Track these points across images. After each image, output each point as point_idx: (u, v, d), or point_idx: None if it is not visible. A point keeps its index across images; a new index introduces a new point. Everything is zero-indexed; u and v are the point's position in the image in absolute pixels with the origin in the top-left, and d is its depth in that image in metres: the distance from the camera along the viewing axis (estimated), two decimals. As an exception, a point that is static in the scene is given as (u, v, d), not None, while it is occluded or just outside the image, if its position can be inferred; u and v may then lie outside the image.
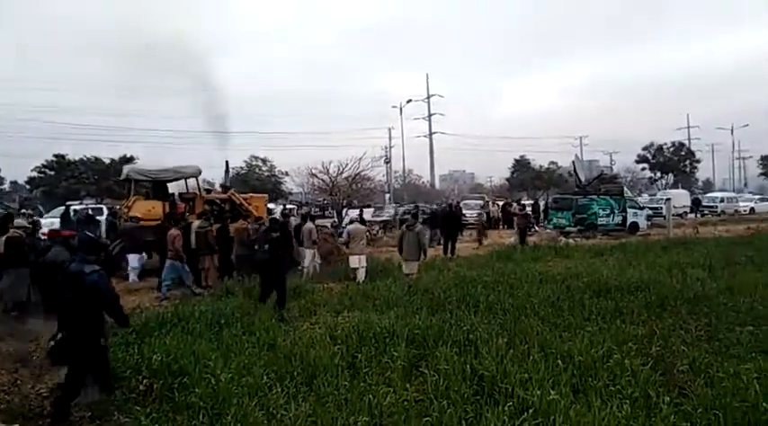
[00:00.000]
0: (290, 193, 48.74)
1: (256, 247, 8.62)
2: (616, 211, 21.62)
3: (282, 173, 49.42)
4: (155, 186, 14.35)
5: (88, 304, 4.36)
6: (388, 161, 50.37)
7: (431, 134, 52.18)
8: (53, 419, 4.33)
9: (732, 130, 67.49)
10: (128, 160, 44.08)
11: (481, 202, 31.39)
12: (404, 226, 11.21)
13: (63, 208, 21.72)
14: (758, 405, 3.73)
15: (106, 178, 41.77)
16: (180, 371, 4.88)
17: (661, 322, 6.41)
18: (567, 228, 21.06)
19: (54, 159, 40.74)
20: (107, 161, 42.72)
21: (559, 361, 4.78)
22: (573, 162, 27.07)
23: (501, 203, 30.22)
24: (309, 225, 11.67)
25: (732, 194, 41.73)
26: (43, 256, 7.59)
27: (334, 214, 29.03)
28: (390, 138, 51.62)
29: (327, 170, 41.64)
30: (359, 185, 45.48)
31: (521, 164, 60.86)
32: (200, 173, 15.07)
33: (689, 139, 63.30)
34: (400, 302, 8.07)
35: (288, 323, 6.97)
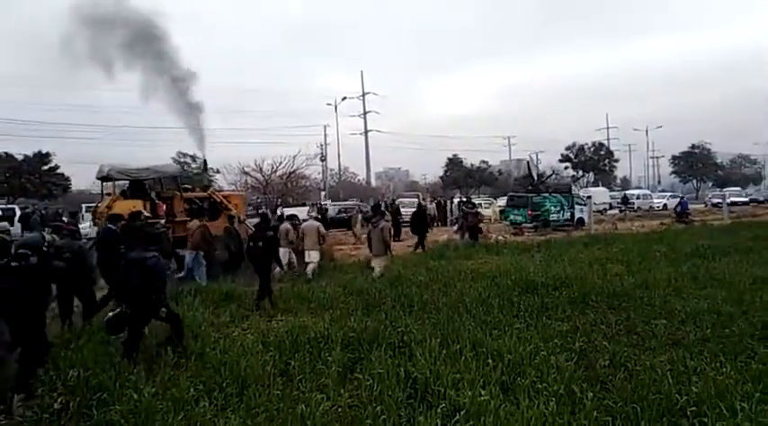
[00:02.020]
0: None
1: (251, 244, 9.01)
2: (565, 208, 23.11)
3: (213, 171, 47.85)
4: (134, 185, 13.95)
5: (148, 282, 5.51)
6: (323, 158, 50.03)
7: (366, 132, 52.29)
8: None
9: (647, 131, 72.38)
10: (44, 156, 41.18)
11: (416, 200, 31.85)
12: (369, 223, 11.70)
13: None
14: (671, 396, 3.98)
15: (19, 176, 38.80)
16: (99, 387, 4.58)
17: (584, 317, 6.72)
18: (524, 224, 22.22)
19: (-41, 155, 37.36)
20: (20, 157, 39.63)
21: (490, 360, 4.90)
22: (527, 162, 29.00)
23: (437, 201, 30.76)
24: (286, 225, 11.98)
25: (647, 192, 44.66)
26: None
27: (269, 213, 28.57)
28: (326, 136, 51.26)
29: (260, 168, 40.77)
30: (293, 183, 44.89)
31: (454, 163, 62.29)
32: (181, 172, 15.12)
33: (608, 140, 67.39)
34: (335, 304, 8.02)
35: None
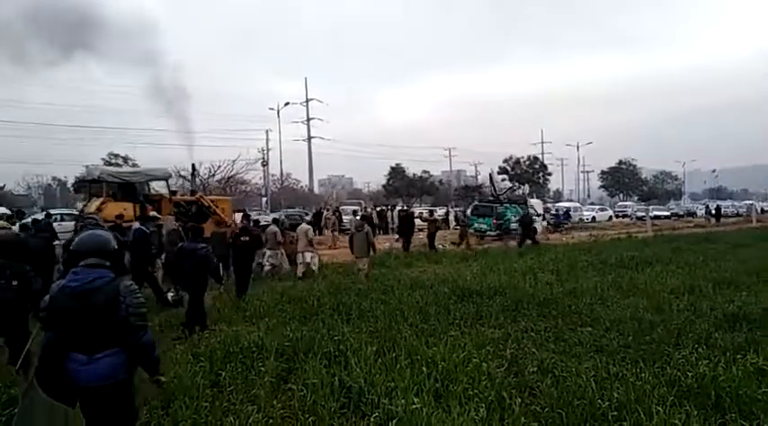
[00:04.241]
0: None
1: (239, 236, 10.08)
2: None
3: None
4: (124, 188, 14.24)
5: (200, 268, 6.99)
6: (265, 164, 49.06)
7: (309, 138, 51.78)
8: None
9: (578, 147, 76.05)
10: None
11: (358, 208, 31.97)
12: (354, 227, 12.87)
13: None
14: (594, 401, 4.14)
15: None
16: (10, 402, 4.25)
17: (515, 324, 6.92)
18: (488, 232, 23.26)
19: None
20: None
21: (424, 368, 4.93)
22: (490, 175, 33.37)
23: (379, 210, 31.01)
24: (273, 227, 12.53)
25: (578, 205, 46.77)
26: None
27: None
28: (268, 141, 50.31)
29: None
30: (233, 188, 43.84)
31: (396, 172, 62.91)
32: (170, 176, 15.72)
33: (542, 153, 70.20)
34: (272, 312, 7.86)
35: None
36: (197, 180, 18.61)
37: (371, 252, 11.90)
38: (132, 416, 3.24)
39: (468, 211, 26.11)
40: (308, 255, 12.25)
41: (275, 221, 13.84)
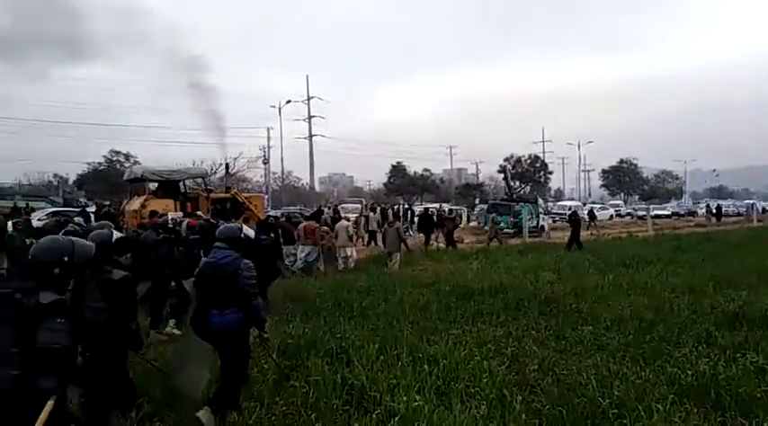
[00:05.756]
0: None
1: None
2: (533, 216, 25.14)
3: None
4: (167, 186, 14.98)
5: (261, 258, 6.74)
6: (266, 162, 49.10)
7: (311, 136, 51.81)
8: None
9: (579, 146, 76.02)
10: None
11: (359, 206, 31.97)
12: (386, 224, 13.90)
13: None
14: (595, 399, 4.17)
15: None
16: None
17: (516, 323, 6.94)
18: (506, 230, 23.68)
19: None
20: None
21: (426, 365, 4.96)
22: (504, 174, 35.06)
23: (381, 208, 31.00)
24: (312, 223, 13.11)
25: (579, 203, 46.76)
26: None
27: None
28: (269, 139, 50.36)
29: (199, 169, 39.50)
30: (234, 186, 43.76)
31: (397, 170, 62.91)
32: (207, 174, 16.96)
33: (543, 152, 70.13)
34: (275, 310, 7.90)
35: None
36: (229, 177, 18.99)
37: (402, 246, 12.86)
38: (247, 353, 4.39)
39: (477, 209, 26.40)
40: (348, 250, 12.96)
41: (313, 216, 14.35)
